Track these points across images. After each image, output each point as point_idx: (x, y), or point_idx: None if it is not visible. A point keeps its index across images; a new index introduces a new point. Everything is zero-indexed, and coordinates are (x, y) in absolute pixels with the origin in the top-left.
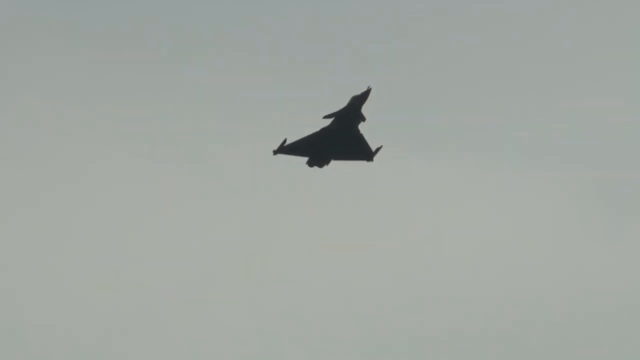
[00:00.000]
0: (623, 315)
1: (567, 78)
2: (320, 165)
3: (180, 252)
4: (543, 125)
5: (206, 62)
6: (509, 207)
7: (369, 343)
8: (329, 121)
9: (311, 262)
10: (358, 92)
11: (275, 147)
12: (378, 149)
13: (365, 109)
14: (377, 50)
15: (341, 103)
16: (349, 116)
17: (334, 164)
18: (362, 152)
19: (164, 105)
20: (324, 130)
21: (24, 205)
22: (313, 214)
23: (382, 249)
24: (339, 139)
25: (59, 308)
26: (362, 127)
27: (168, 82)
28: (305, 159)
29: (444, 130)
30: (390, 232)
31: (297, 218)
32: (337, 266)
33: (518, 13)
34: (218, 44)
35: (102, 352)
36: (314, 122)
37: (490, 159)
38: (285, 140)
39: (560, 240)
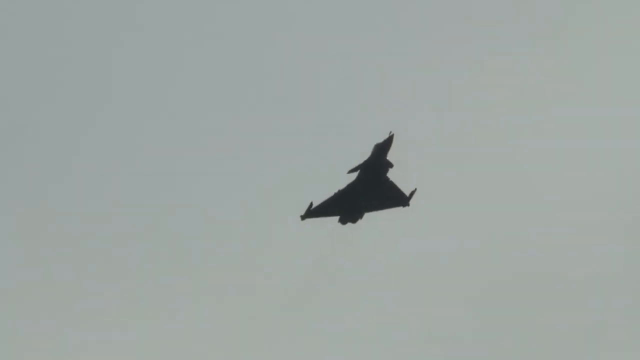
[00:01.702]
0: None
1: None
2: (354, 221)
3: None
4: None
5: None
6: None
7: None
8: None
9: None
10: (380, 140)
11: (302, 212)
12: (413, 192)
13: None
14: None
15: (363, 155)
16: (375, 166)
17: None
18: (396, 198)
19: None
20: (351, 185)
21: None
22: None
23: None
24: (368, 191)
25: None
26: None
27: None
28: (336, 218)
29: None
30: None
31: None
32: None
33: None
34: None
35: None
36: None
37: None
38: (311, 204)
39: None
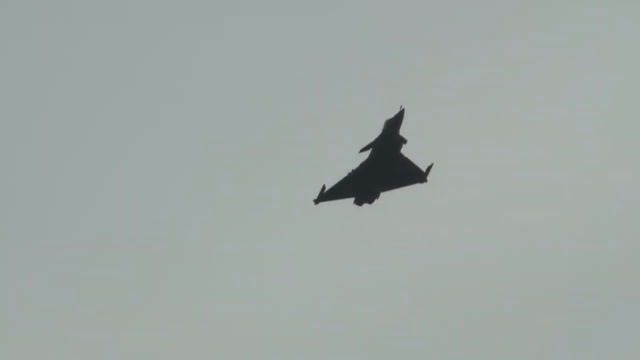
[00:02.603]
0: None
1: None
2: (370, 202)
3: None
4: None
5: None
6: None
7: None
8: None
9: None
10: (390, 115)
11: (315, 196)
12: (429, 168)
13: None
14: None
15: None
16: (387, 143)
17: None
18: (413, 175)
19: None
20: (363, 165)
21: None
22: None
23: None
24: (383, 169)
25: None
26: (405, 149)
27: None
28: (350, 200)
29: None
30: None
31: None
32: None
33: None
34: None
35: None
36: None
37: None
38: (324, 187)
39: None
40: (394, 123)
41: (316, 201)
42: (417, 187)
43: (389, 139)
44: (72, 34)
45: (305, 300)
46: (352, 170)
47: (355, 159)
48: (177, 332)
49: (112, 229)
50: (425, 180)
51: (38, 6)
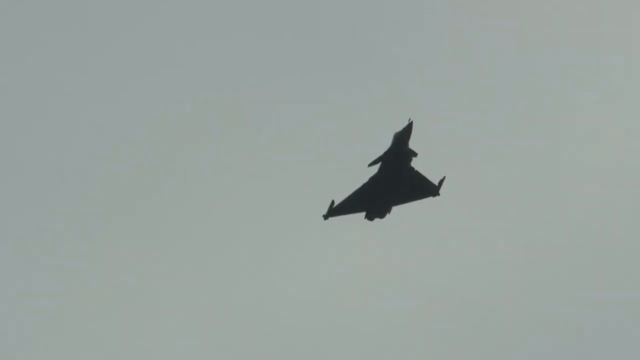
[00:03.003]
0: None
1: None
2: (382, 216)
3: None
4: None
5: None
6: None
7: None
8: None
9: None
10: (399, 128)
11: (324, 211)
12: (442, 181)
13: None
14: None
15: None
16: (397, 156)
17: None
18: (424, 188)
19: None
20: (373, 178)
21: None
22: None
23: None
24: (393, 183)
25: None
26: (416, 162)
27: None
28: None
29: None
30: None
31: None
32: None
33: None
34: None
35: None
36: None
37: None
38: (333, 202)
39: None
40: (403, 136)
41: (325, 217)
42: (429, 200)
43: (399, 153)
44: (69, 32)
45: (308, 305)
46: (362, 185)
47: (363, 168)
48: (178, 332)
49: (110, 227)
50: (438, 194)
51: (37, 6)
